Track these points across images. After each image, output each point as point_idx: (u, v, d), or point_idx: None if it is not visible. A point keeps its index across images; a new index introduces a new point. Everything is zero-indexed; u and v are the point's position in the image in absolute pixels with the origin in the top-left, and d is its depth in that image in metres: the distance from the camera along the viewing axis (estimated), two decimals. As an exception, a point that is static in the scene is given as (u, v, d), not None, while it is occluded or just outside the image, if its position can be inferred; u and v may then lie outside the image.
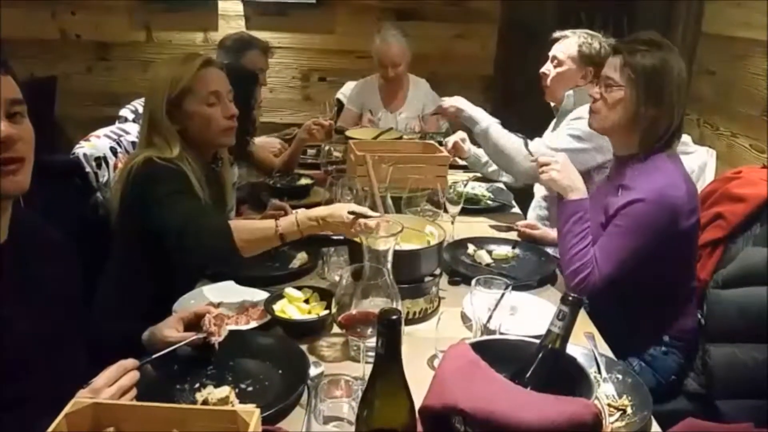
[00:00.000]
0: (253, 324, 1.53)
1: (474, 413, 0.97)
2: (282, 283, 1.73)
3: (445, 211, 2.06)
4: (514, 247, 2.05)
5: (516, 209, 2.54)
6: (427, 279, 1.60)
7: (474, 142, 2.57)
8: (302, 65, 4.27)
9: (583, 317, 1.57)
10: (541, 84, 2.54)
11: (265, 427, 1.08)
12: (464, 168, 2.85)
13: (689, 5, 3.59)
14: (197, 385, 1.28)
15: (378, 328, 0.90)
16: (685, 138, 2.83)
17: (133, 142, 2.33)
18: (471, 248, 2.01)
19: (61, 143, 3.79)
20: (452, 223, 2.09)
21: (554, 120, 2.57)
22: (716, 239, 2.03)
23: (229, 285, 1.73)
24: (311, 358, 1.39)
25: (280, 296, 1.60)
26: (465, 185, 2.25)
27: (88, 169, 2.17)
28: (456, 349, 1.12)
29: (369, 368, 0.95)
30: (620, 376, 1.36)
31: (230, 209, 2.21)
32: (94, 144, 2.24)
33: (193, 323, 1.37)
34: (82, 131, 2.41)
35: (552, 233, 2.10)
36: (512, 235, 2.19)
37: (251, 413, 0.87)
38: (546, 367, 1.07)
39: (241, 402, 1.22)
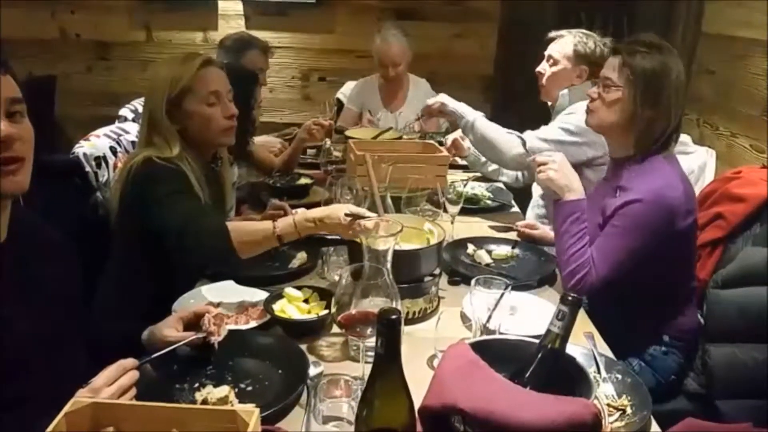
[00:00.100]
0: (253, 324, 1.53)
1: (473, 413, 0.97)
2: (281, 282, 1.73)
3: (445, 210, 2.07)
4: (513, 247, 2.06)
5: (515, 209, 2.54)
6: (426, 279, 1.60)
7: None
8: (302, 65, 4.27)
9: (582, 317, 1.57)
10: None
11: (265, 426, 1.08)
12: (464, 168, 2.85)
13: (689, 5, 3.59)
14: (197, 385, 1.28)
15: (377, 328, 0.90)
16: (685, 138, 2.84)
17: (132, 142, 2.33)
18: (471, 248, 2.01)
19: (61, 143, 3.79)
20: (452, 222, 2.09)
21: (551, 119, 2.57)
22: (716, 239, 2.04)
23: (229, 285, 1.73)
24: (311, 358, 1.39)
25: (280, 296, 1.60)
26: (465, 185, 2.25)
27: (87, 168, 2.17)
28: (455, 348, 1.12)
29: (368, 368, 0.95)
30: (620, 376, 1.36)
31: (230, 209, 2.21)
32: (94, 143, 2.24)
33: (193, 323, 1.37)
34: (81, 131, 2.41)
35: (552, 233, 2.10)
36: (512, 235, 2.19)
37: (251, 413, 0.87)
38: (545, 367, 1.07)
39: (240, 402, 1.22)
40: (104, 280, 1.82)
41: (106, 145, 2.27)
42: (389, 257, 1.28)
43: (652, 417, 1.24)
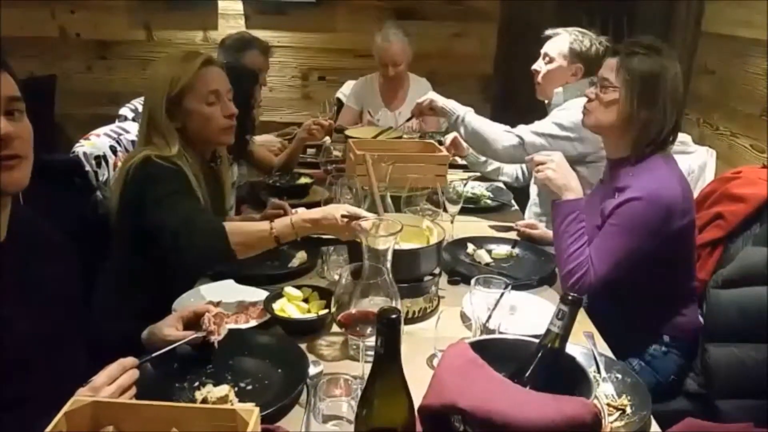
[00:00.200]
0: (253, 323, 1.53)
1: (473, 412, 0.97)
2: (281, 281, 1.73)
3: (445, 210, 2.07)
4: (513, 247, 2.06)
5: (515, 208, 2.54)
6: (426, 278, 1.60)
7: None
8: (302, 64, 4.27)
9: (582, 317, 1.57)
10: (536, 82, 2.54)
11: (265, 426, 1.08)
12: (464, 167, 2.85)
13: (689, 5, 3.59)
14: (196, 384, 1.28)
15: (377, 327, 0.90)
16: (686, 138, 2.85)
17: (132, 141, 2.33)
18: (470, 248, 2.01)
19: (61, 142, 3.80)
20: (452, 222, 2.09)
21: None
22: (716, 239, 2.04)
23: (229, 284, 1.73)
24: (310, 357, 1.39)
25: (280, 295, 1.60)
26: (464, 185, 2.25)
27: (87, 168, 2.18)
28: (455, 348, 1.12)
29: (368, 367, 0.95)
30: (620, 376, 1.36)
31: (230, 208, 2.21)
32: (94, 143, 2.24)
33: (193, 322, 1.37)
34: (81, 130, 2.41)
35: (551, 232, 2.10)
36: (512, 235, 2.20)
37: (250, 412, 0.87)
38: (545, 366, 1.07)
39: (240, 401, 1.22)
40: (104, 279, 1.82)
41: (106, 144, 2.27)
42: (389, 256, 1.28)
43: (651, 417, 1.24)
